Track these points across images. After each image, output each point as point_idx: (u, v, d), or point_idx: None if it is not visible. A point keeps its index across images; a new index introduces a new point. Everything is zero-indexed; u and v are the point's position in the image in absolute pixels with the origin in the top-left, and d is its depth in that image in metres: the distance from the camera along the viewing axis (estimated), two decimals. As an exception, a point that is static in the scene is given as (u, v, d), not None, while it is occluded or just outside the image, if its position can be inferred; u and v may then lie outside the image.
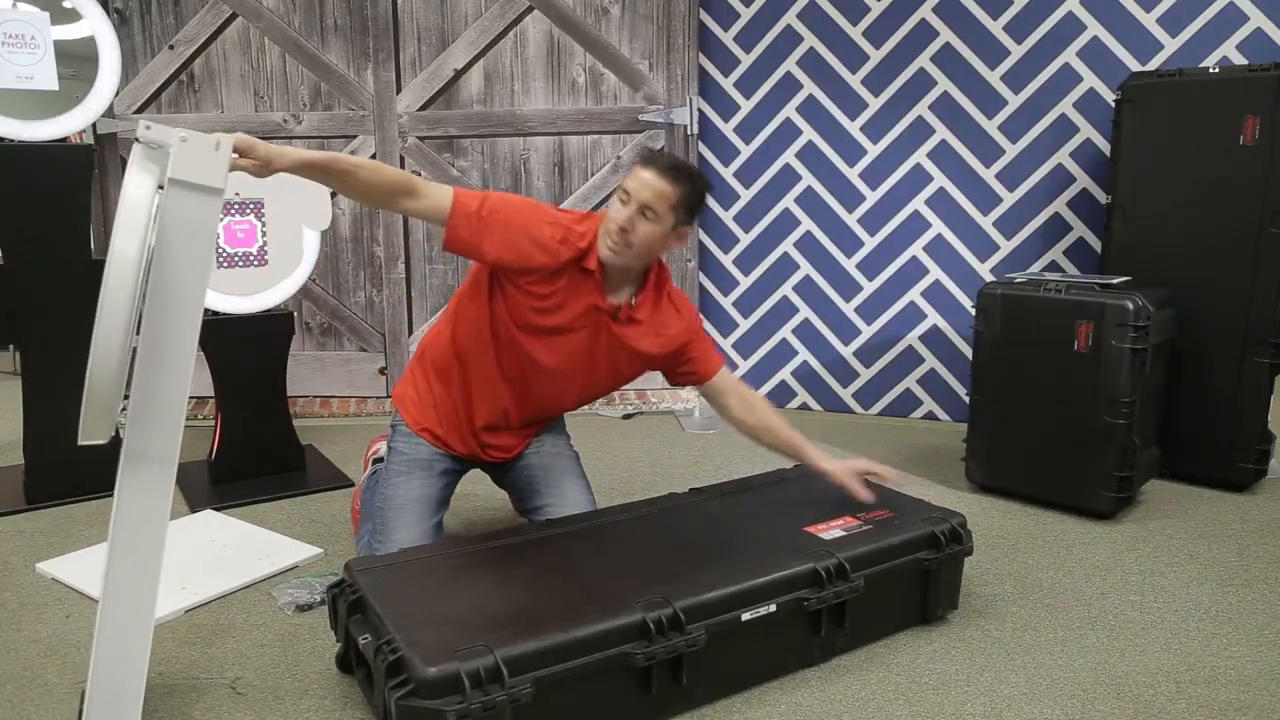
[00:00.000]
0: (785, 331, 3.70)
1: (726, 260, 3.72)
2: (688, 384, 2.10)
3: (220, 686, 1.68)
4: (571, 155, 3.65)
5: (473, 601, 1.55)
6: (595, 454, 3.10)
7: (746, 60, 3.55)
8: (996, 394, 2.66)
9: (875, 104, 3.42)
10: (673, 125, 3.56)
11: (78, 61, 2.59)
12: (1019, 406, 2.60)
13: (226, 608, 1.99)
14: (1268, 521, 2.49)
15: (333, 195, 3.05)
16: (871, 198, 3.48)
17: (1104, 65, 3.08)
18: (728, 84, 3.59)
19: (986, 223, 3.35)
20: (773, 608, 1.65)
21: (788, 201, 3.59)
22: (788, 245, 3.62)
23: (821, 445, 3.20)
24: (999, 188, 3.31)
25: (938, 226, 3.41)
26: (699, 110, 3.57)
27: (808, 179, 3.55)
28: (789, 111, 3.53)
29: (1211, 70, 2.64)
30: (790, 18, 3.46)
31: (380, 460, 2.29)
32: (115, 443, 1.42)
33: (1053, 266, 3.26)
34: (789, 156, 3.56)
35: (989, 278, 3.35)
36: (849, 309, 3.59)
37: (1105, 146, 3.06)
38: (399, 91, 3.59)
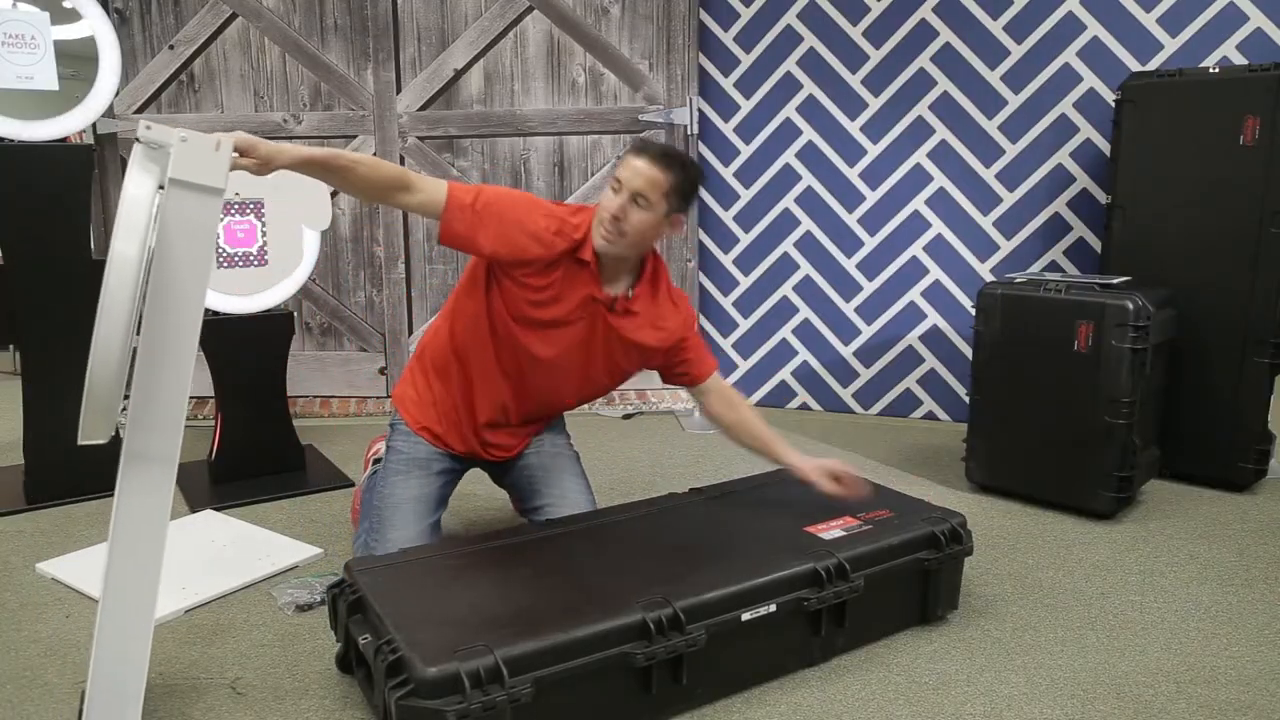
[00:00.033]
0: (785, 331, 3.70)
1: (726, 260, 3.72)
2: (681, 384, 2.10)
3: (220, 686, 1.68)
4: (571, 155, 3.65)
5: (473, 601, 1.55)
6: (595, 454, 3.10)
7: (746, 60, 3.55)
8: (996, 394, 2.66)
9: (875, 104, 3.42)
10: (673, 125, 3.56)
11: (78, 61, 2.59)
12: (1019, 406, 2.60)
13: (226, 608, 1.99)
14: (1268, 521, 2.49)
15: (333, 195, 3.05)
16: (871, 198, 3.49)
17: (1104, 65, 3.08)
18: (728, 84, 3.59)
19: (986, 223, 3.35)
20: (773, 608, 1.65)
21: (788, 201, 3.59)
22: (788, 245, 3.62)
23: (821, 445, 3.22)
24: (999, 188, 3.31)
25: (938, 226, 3.41)
26: (699, 110, 3.57)
27: (808, 179, 3.55)
28: (789, 111, 3.53)
29: (1211, 70, 2.64)
30: (790, 18, 3.46)
31: (380, 460, 2.29)
32: (115, 443, 1.42)
33: (1053, 266, 3.26)
34: (789, 156, 3.56)
35: (989, 278, 3.35)
36: (849, 309, 3.59)
37: (1105, 146, 3.06)
38: (399, 91, 3.59)
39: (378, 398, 3.76)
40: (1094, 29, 3.08)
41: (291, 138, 3.58)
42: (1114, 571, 2.18)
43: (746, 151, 3.61)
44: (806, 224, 3.59)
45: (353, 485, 2.76)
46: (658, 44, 3.55)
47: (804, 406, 3.73)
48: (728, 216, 3.68)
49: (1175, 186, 2.70)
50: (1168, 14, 2.98)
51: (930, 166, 3.38)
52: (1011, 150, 3.26)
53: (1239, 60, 2.91)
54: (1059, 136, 3.18)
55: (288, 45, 3.58)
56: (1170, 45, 2.99)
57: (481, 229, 1.81)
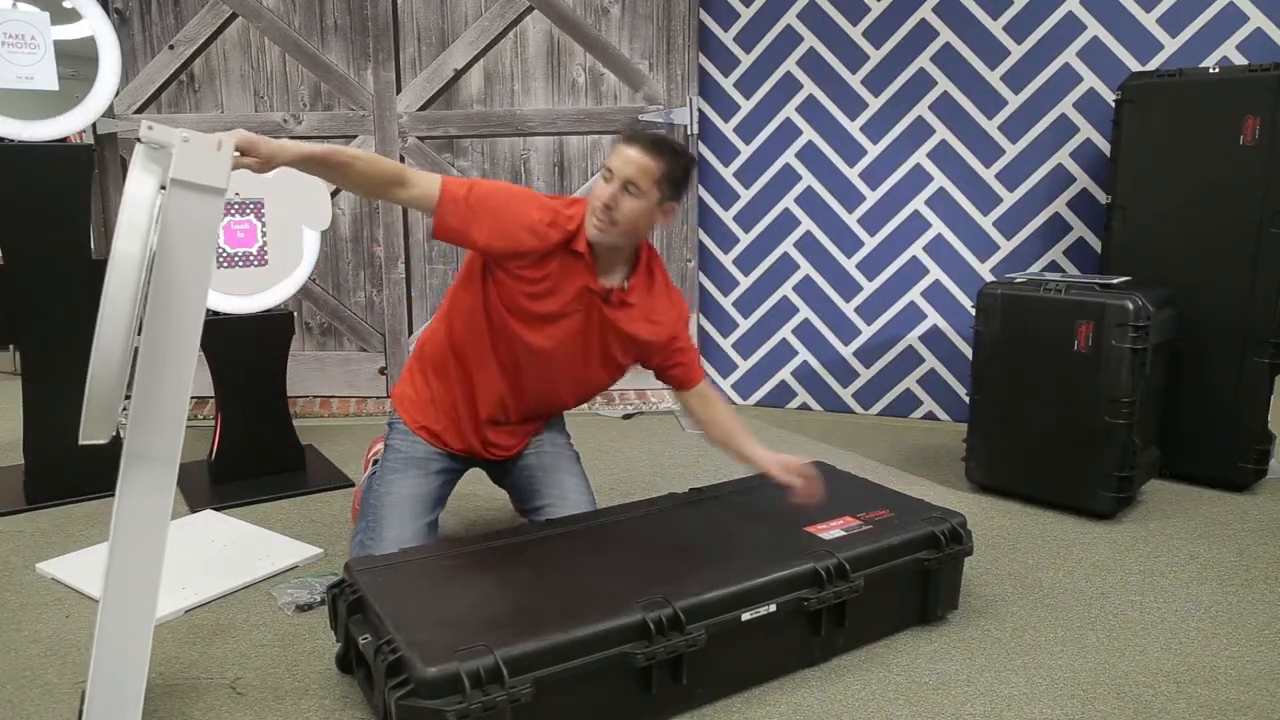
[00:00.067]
0: (785, 331, 3.70)
1: (726, 260, 3.72)
2: (670, 384, 2.11)
3: (220, 686, 1.68)
4: (571, 155, 3.65)
5: (473, 601, 1.56)
6: (595, 454, 3.10)
7: (746, 60, 3.55)
8: (996, 394, 2.66)
9: (875, 104, 3.42)
10: (673, 125, 3.56)
11: (78, 61, 2.59)
12: (1019, 406, 2.60)
13: (226, 608, 1.99)
14: (1268, 521, 2.49)
15: (333, 195, 3.05)
16: (871, 198, 3.49)
17: (1104, 65, 3.08)
18: (728, 84, 3.59)
19: (986, 223, 3.35)
20: (773, 608, 1.65)
21: (788, 201, 3.59)
22: (788, 245, 3.62)
23: (822, 445, 3.22)
24: (999, 188, 3.31)
25: (938, 226, 3.41)
26: (699, 110, 3.57)
27: (808, 179, 3.55)
28: (789, 111, 3.53)
29: (1211, 70, 2.64)
30: (790, 18, 3.46)
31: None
32: (116, 443, 1.42)
33: (1053, 266, 3.26)
34: (789, 156, 3.56)
35: (989, 278, 3.35)
36: (849, 309, 3.59)
37: (1105, 146, 3.06)
38: (399, 91, 3.59)
39: (378, 398, 3.76)
40: (1094, 29, 3.08)
41: (291, 138, 3.58)
42: (1114, 571, 2.18)
43: (746, 151, 3.61)
44: (806, 224, 3.59)
45: (353, 485, 2.76)
46: (658, 44, 3.55)
47: (804, 406, 3.73)
48: (728, 216, 3.68)
49: (1175, 186, 2.71)
50: (1168, 14, 2.98)
51: (930, 166, 3.38)
52: (1011, 150, 3.26)
53: (1239, 60, 2.91)
54: (1059, 136, 3.18)
55: (288, 45, 3.58)
56: (1170, 45, 2.99)
57: (475, 222, 1.81)
